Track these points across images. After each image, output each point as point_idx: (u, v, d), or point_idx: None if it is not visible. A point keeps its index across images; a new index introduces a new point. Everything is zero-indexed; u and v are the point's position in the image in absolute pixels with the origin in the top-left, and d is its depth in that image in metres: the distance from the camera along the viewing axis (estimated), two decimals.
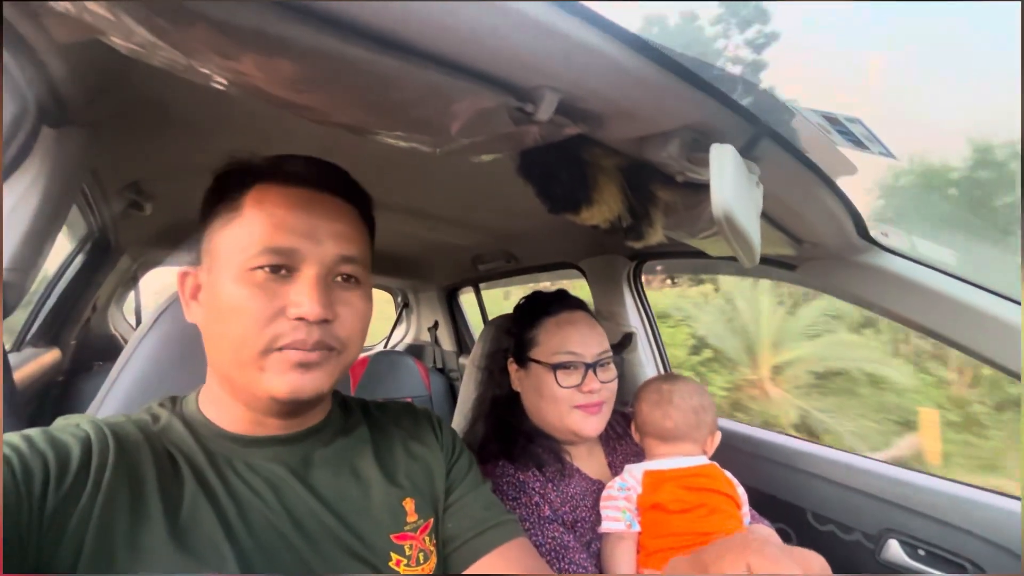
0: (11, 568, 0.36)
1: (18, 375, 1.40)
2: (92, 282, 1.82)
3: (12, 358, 1.47)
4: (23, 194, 0.76)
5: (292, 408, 0.52)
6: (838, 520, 1.04)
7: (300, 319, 0.47)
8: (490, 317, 1.26)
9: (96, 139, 0.85)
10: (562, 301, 0.92)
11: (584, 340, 0.85)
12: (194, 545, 0.44)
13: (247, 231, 0.49)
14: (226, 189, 0.52)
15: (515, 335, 0.92)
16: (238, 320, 0.47)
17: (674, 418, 0.86)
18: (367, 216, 0.57)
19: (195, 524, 0.45)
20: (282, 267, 0.48)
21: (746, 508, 0.85)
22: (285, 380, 0.47)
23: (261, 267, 0.48)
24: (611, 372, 0.88)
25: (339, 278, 0.52)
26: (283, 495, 0.50)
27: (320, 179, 0.53)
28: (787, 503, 1.11)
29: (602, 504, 0.81)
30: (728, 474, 0.86)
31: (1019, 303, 0.75)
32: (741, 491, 0.85)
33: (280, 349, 0.47)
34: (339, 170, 0.55)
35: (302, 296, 0.47)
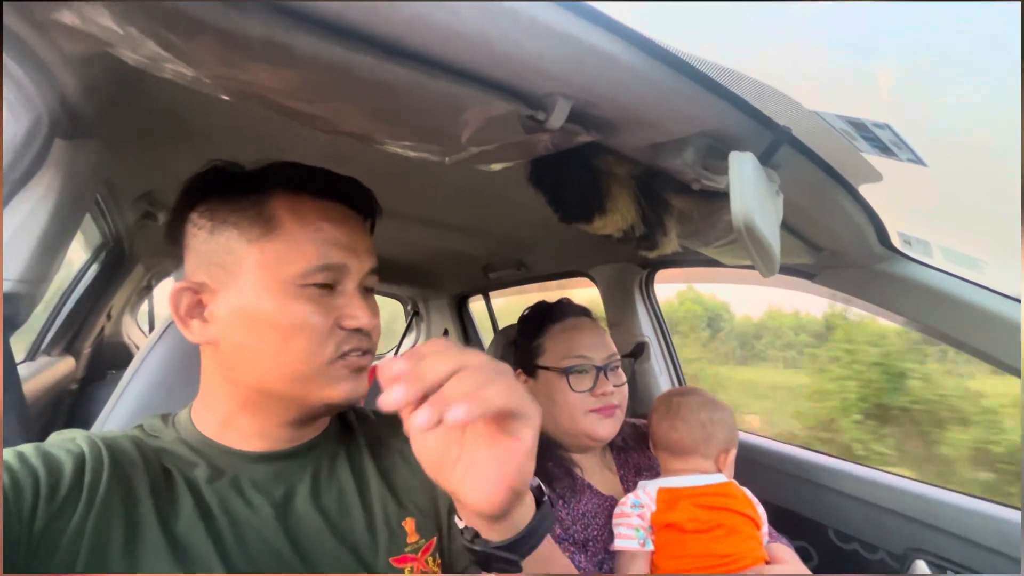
0: (8, 569, 0.36)
1: (32, 384, 1.41)
2: (106, 291, 1.84)
3: (27, 367, 1.49)
4: (35, 206, 0.76)
5: (323, 413, 0.54)
6: (862, 538, 1.00)
7: (357, 329, 0.50)
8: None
9: (109, 150, 0.85)
10: (566, 308, 0.92)
11: (592, 344, 0.85)
12: (186, 564, 0.43)
13: (293, 246, 0.49)
14: (234, 196, 0.50)
15: (521, 345, 0.91)
16: (300, 335, 0.48)
17: (680, 431, 0.85)
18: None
19: (189, 543, 0.44)
20: (331, 282, 0.51)
21: (765, 528, 0.83)
22: (344, 386, 0.50)
23: (315, 283, 0.49)
24: (621, 376, 0.88)
25: (364, 287, 0.54)
26: (284, 514, 0.49)
27: (349, 195, 0.54)
28: (808, 520, 1.08)
29: (615, 521, 0.79)
30: (747, 492, 0.83)
31: None
32: (760, 510, 0.83)
33: (343, 357, 0.50)
34: (362, 186, 0.56)
35: (355, 308, 0.50)
